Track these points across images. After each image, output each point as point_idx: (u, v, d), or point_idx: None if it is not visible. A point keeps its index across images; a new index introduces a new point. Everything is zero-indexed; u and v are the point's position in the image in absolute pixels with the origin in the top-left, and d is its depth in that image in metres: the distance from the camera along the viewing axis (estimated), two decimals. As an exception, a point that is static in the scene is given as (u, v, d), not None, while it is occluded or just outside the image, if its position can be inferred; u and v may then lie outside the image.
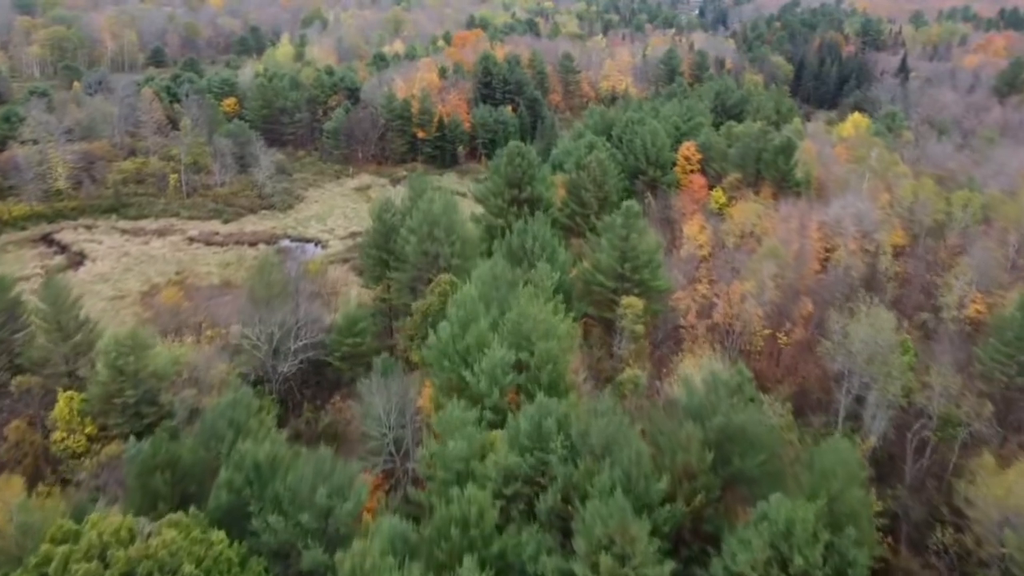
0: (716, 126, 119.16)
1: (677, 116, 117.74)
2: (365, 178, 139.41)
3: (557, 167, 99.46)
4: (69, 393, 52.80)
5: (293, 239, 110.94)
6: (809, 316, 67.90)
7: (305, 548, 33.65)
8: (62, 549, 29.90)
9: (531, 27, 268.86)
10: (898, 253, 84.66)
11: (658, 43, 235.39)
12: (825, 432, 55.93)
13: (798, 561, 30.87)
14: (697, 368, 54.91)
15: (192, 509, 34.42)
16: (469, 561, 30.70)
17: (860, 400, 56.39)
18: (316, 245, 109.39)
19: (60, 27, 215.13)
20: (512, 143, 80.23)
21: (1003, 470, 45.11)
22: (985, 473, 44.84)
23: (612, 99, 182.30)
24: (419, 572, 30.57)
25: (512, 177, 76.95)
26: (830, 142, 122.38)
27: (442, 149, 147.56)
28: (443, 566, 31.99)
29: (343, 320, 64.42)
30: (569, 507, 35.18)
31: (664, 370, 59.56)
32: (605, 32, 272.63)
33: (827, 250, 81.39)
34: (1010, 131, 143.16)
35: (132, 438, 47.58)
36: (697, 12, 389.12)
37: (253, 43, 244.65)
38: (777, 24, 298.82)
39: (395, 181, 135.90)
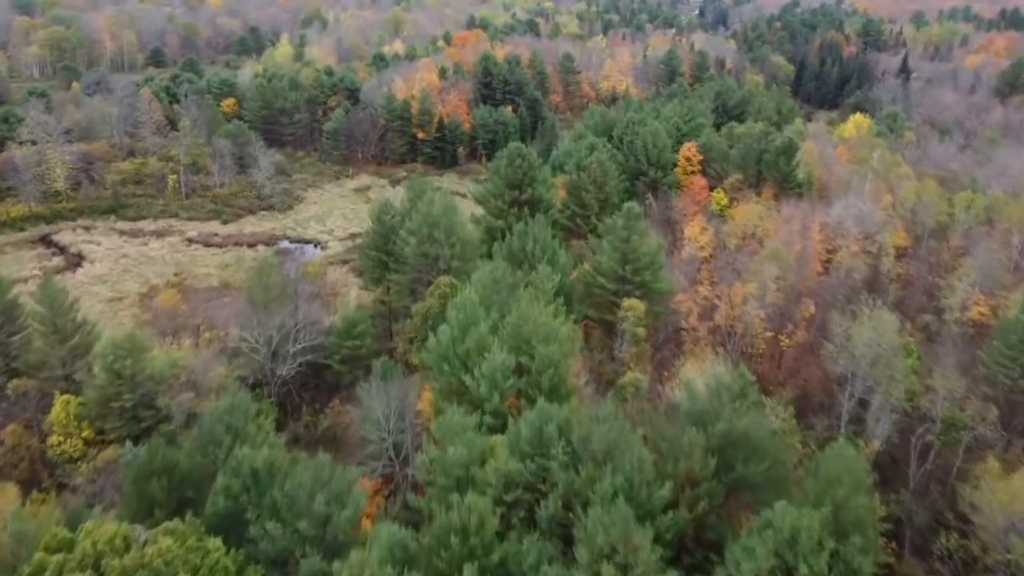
0: (717, 127, 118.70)
1: (678, 117, 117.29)
2: (365, 179, 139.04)
3: (558, 168, 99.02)
4: (66, 397, 52.43)
5: (292, 240, 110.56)
6: (811, 318, 67.45)
7: (303, 556, 33.23)
8: (56, 558, 29.46)
9: (531, 27, 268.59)
10: (900, 255, 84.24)
11: (658, 43, 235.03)
12: (828, 436, 55.50)
13: (803, 570, 30.41)
14: (699, 372, 54.51)
15: (189, 516, 33.99)
16: (469, 570, 30.29)
17: (863, 404, 55.95)
18: (315, 246, 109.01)
19: (59, 27, 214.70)
20: (512, 144, 79.86)
21: (1008, 475, 44.68)
22: (990, 478, 44.40)
23: (612, 99, 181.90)
24: (418, 581, 30.20)
25: (512, 178, 76.55)
26: (831, 143, 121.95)
27: (442, 150, 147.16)
28: (443, 575, 31.58)
29: (342, 322, 63.99)
30: (570, 514, 34.77)
31: (666, 373, 59.06)
32: (605, 32, 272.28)
33: (829, 252, 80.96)
34: (1012, 132, 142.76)
35: (129, 443, 47.29)
36: (697, 12, 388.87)
37: (252, 43, 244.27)
38: (777, 24, 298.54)
39: (395, 182, 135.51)
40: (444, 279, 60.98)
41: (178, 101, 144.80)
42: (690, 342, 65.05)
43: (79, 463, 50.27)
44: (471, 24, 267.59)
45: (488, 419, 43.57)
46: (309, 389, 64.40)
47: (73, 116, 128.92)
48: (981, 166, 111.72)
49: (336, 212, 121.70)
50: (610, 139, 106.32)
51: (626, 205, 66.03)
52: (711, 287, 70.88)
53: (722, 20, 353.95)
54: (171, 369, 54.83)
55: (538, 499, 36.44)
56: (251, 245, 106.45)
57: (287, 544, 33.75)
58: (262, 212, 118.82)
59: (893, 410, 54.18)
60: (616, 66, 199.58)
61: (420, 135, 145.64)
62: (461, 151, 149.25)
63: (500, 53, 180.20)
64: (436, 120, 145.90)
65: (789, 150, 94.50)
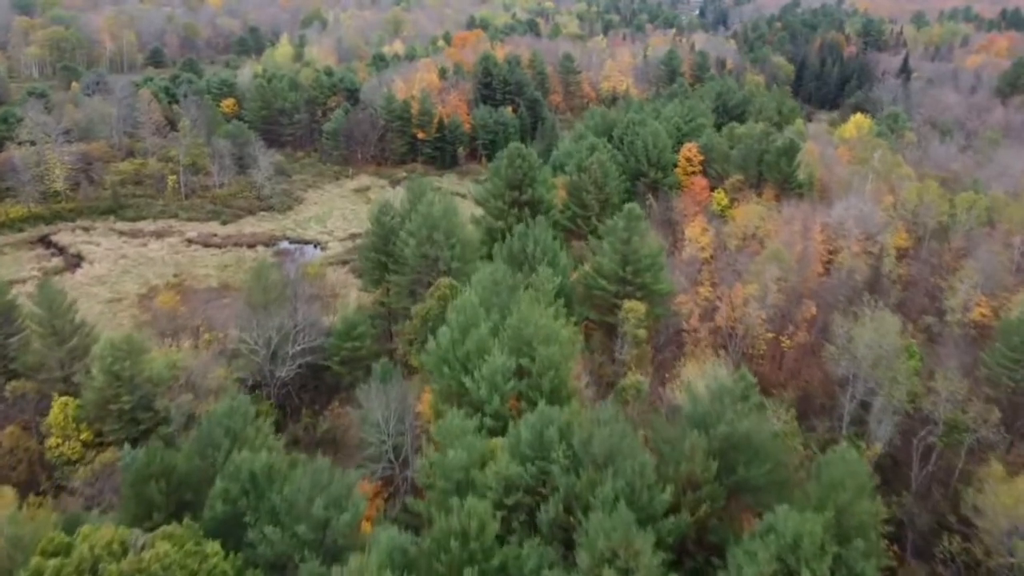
0: (718, 127, 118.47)
1: (678, 117, 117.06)
2: (364, 179, 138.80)
3: (558, 169, 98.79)
4: (64, 399, 52.23)
5: (292, 241, 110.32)
6: (812, 319, 67.23)
7: (302, 560, 32.93)
8: (53, 563, 29.22)
9: (531, 27, 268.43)
10: (902, 255, 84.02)
11: (659, 43, 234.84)
12: (830, 438, 55.30)
13: (805, 574, 30.17)
14: (700, 373, 54.29)
15: (187, 520, 33.74)
16: (469, 575, 30.05)
17: (865, 405, 55.74)
18: (315, 247, 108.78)
19: (59, 27, 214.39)
20: (512, 145, 79.60)
21: (1011, 478, 44.45)
22: (993, 481, 44.16)
23: (613, 100, 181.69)
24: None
25: (512, 179, 76.34)
26: (832, 143, 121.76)
27: (442, 150, 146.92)
28: (443, 579, 31.36)
29: (342, 324, 63.75)
30: (571, 518, 34.53)
31: (666, 375, 58.90)
32: (605, 32, 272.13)
33: (830, 252, 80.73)
34: (1013, 132, 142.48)
35: (127, 445, 47.05)
36: (697, 12, 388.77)
37: (252, 43, 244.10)
38: (778, 24, 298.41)
39: (395, 182, 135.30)
40: (444, 280, 60.76)
41: (177, 101, 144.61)
42: (691, 343, 64.84)
43: (77, 465, 50.08)
44: (471, 24, 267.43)
45: (488, 421, 43.35)
46: (308, 391, 64.21)
47: (72, 116, 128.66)
48: (982, 167, 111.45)
49: (336, 213, 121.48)
50: (610, 139, 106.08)
51: (627, 206, 65.77)
52: (712, 288, 70.63)
53: (722, 20, 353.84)
54: (170, 371, 54.57)
55: (539, 503, 36.21)
56: (251, 246, 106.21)
57: (286, 548, 33.50)
58: (262, 213, 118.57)
59: (895, 412, 53.95)
60: (616, 66, 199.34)
61: (420, 135, 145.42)
62: (461, 151, 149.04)
63: (500, 53, 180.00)
64: (436, 120, 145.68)
65: (790, 151, 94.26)
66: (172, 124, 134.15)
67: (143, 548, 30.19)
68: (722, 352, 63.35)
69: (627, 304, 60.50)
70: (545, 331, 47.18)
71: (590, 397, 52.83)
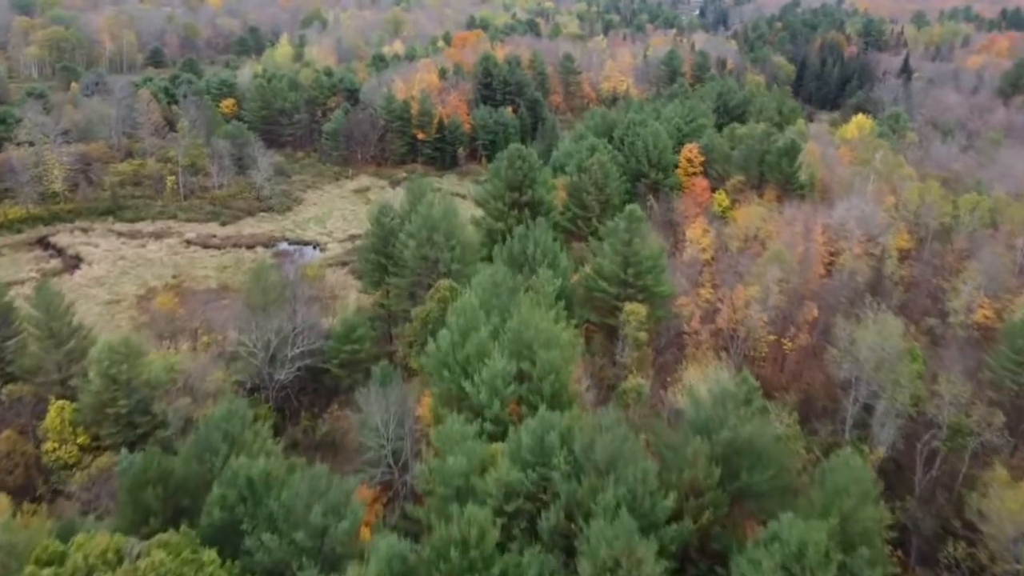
0: (719, 127, 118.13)
1: (679, 118, 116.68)
2: (364, 180, 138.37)
3: (558, 169, 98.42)
4: (61, 402, 51.83)
5: (291, 242, 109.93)
6: (814, 321, 66.80)
7: (300, 568, 32.56)
8: (47, 572, 28.84)
9: (531, 27, 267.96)
10: (904, 257, 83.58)
11: (659, 43, 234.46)
12: (832, 441, 54.91)
13: (810, 583, 29.80)
14: (702, 376, 53.91)
15: (183, 527, 33.31)
16: (469, 583, 29.72)
17: (868, 409, 55.31)
18: (315, 248, 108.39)
19: (58, 27, 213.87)
20: (513, 146, 79.28)
21: (1016, 483, 44.08)
22: (998, 486, 43.77)
23: (613, 100, 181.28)
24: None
25: (513, 180, 75.97)
26: (833, 144, 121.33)
27: (442, 151, 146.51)
28: (442, 588, 30.95)
29: (341, 326, 63.33)
30: (573, 525, 34.13)
31: (668, 378, 58.49)
32: (606, 32, 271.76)
33: (832, 254, 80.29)
34: (1015, 132, 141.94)
35: (124, 450, 46.65)
36: (698, 12, 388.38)
37: (252, 43, 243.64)
38: (778, 24, 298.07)
39: (395, 183, 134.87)
40: (444, 282, 60.39)
41: (177, 102, 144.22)
42: (692, 346, 64.42)
43: (74, 470, 49.69)
44: (471, 24, 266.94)
45: (488, 426, 42.96)
46: (308, 393, 63.78)
47: (71, 117, 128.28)
48: (984, 167, 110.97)
49: (335, 213, 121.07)
50: (611, 140, 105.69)
51: (628, 208, 65.35)
52: (713, 290, 70.21)
53: (723, 20, 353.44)
54: (168, 374, 54.21)
55: (540, 509, 35.82)
56: (250, 247, 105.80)
57: (284, 556, 33.10)
58: (261, 213, 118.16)
59: (898, 415, 53.51)
60: (617, 66, 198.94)
61: (420, 136, 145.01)
62: (461, 152, 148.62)
63: (500, 53, 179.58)
64: (436, 121, 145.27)
65: (791, 151, 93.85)
66: (171, 124, 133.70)
67: (138, 557, 29.79)
68: (723, 354, 62.93)
69: (628, 306, 60.09)
70: (546, 334, 46.79)
71: (591, 400, 52.42)
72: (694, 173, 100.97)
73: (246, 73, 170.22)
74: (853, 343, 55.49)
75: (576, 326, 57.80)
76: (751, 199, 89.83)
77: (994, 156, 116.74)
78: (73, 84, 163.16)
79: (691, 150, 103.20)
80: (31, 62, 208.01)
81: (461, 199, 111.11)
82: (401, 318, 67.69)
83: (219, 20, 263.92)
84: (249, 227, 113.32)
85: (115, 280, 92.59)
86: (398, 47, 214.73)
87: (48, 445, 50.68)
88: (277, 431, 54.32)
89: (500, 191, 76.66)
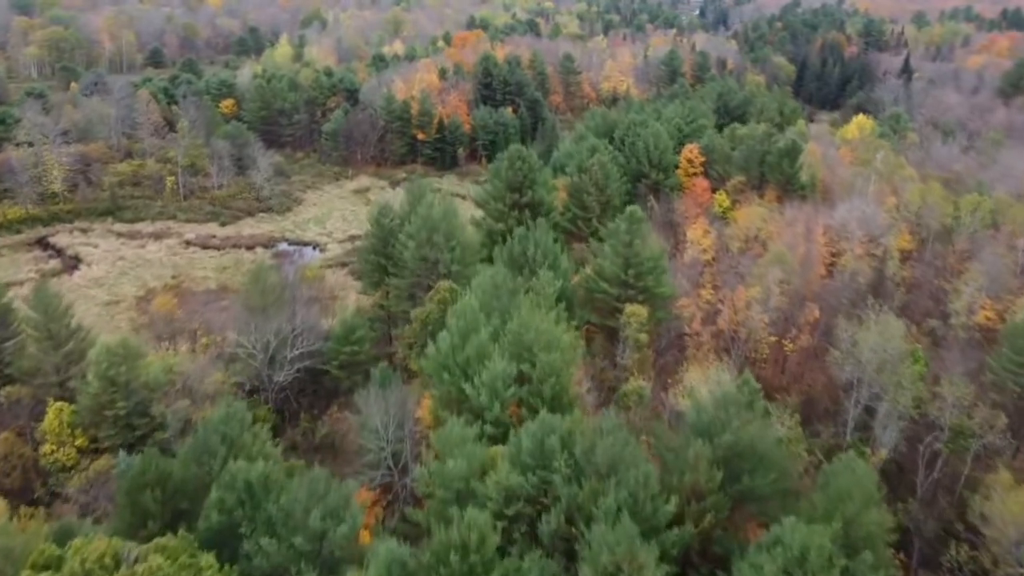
0: (719, 128, 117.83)
1: (679, 118, 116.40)
2: (364, 180, 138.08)
3: (558, 170, 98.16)
4: (59, 404, 51.62)
5: (291, 242, 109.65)
6: (815, 323, 66.56)
7: (299, 573, 32.34)
8: (44, 577, 28.61)
9: (531, 27, 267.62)
10: (905, 258, 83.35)
11: (659, 43, 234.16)
12: (834, 443, 54.74)
13: (813, 588, 29.56)
14: (703, 378, 53.68)
15: (181, 531, 33.09)
16: (469, 588, 29.48)
17: (870, 411, 55.10)
18: (314, 248, 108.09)
19: (58, 28, 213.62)
20: (513, 146, 79.05)
21: (1019, 485, 43.85)
22: (1001, 489, 43.54)
23: (613, 100, 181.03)
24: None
25: (513, 181, 75.74)
26: (834, 144, 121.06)
27: (442, 151, 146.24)
28: (442, 593, 30.70)
29: (341, 328, 63.10)
30: (573, 529, 33.89)
31: (669, 380, 58.23)
32: (606, 32, 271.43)
33: (833, 255, 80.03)
34: (1015, 133, 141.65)
35: (122, 452, 46.56)
36: (698, 12, 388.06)
37: (252, 44, 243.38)
38: (778, 24, 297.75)
39: (394, 183, 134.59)
40: (444, 284, 60.14)
41: (176, 102, 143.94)
42: (693, 347, 64.18)
43: (72, 472, 49.48)
44: (471, 24, 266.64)
45: (489, 429, 42.74)
46: (307, 395, 63.55)
47: (71, 117, 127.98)
48: (985, 168, 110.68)
49: (335, 214, 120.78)
50: (611, 140, 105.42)
51: (629, 209, 65.11)
52: (714, 291, 70.00)
53: (723, 20, 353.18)
54: (166, 375, 53.98)
55: (540, 513, 35.57)
56: (249, 247, 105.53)
57: (282, 560, 32.88)
58: (261, 214, 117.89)
59: (900, 417, 53.32)
60: (617, 66, 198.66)
61: (420, 136, 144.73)
62: (461, 152, 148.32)
63: (500, 53, 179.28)
64: (436, 121, 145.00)
65: (792, 152, 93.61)
66: (171, 125, 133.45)
67: (136, 561, 29.53)
68: (724, 356, 62.69)
69: (629, 308, 59.84)
70: (546, 336, 46.56)
71: (592, 402, 52.18)
72: (695, 174, 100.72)
73: (246, 73, 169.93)
74: (855, 344, 55.30)
75: (577, 328, 57.60)
76: (752, 200, 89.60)
77: (995, 157, 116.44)
78: (72, 84, 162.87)
79: (692, 151, 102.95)
80: (30, 62, 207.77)
81: (461, 200, 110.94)
82: (401, 319, 67.45)
83: (219, 20, 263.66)
84: (249, 228, 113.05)
85: (114, 281, 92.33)
86: (398, 47, 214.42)
87: (46, 447, 50.48)
88: (276, 433, 54.12)
89: (500, 192, 76.43)
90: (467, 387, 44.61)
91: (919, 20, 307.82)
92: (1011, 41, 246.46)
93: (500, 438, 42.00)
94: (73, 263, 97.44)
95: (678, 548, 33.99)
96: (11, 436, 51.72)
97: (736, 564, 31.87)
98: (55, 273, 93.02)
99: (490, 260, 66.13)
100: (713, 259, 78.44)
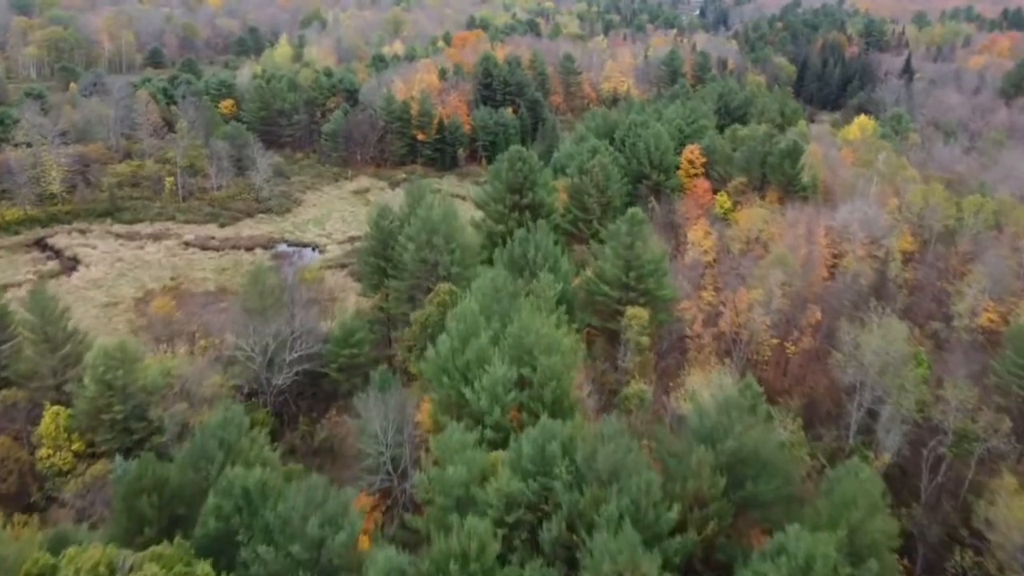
0: (720, 129, 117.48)
1: (680, 119, 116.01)
2: (364, 181, 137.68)
3: (559, 171, 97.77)
4: (56, 408, 51.18)
5: (290, 244, 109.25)
6: (817, 325, 66.14)
7: (296, 580, 31.93)
8: (37, 586, 28.21)
9: (532, 28, 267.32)
10: (908, 259, 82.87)
11: (659, 44, 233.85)
12: (837, 447, 54.36)
13: (817, 597, 29.13)
14: (705, 381, 53.26)
15: (178, 539, 32.65)
16: (469, 597, 29.07)
17: (872, 414, 54.65)
18: (314, 250, 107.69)
19: (57, 28, 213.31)
20: (513, 147, 78.63)
21: (1024, 490, 43.45)
22: (1005, 494, 43.11)
23: (614, 100, 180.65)
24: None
25: (513, 182, 75.33)
26: (836, 145, 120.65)
27: (442, 151, 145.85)
28: (442, 601, 30.30)
29: (340, 330, 62.67)
30: (575, 537, 33.47)
31: (670, 383, 57.83)
32: (606, 33, 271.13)
33: (835, 256, 79.62)
34: (1017, 133, 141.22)
35: (119, 456, 46.11)
36: (698, 12, 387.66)
37: (251, 44, 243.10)
38: (779, 24, 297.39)
39: (394, 184, 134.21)
40: (443, 286, 59.72)
41: (175, 102, 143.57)
42: (695, 350, 63.75)
43: (69, 477, 49.04)
44: (471, 24, 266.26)
45: (489, 433, 42.31)
46: (306, 398, 63.15)
47: (70, 117, 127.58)
48: (987, 168, 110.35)
49: (335, 215, 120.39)
50: (612, 141, 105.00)
51: (630, 211, 64.71)
52: (715, 293, 69.58)
53: (723, 20, 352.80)
54: (164, 379, 53.57)
55: (541, 520, 35.14)
56: (249, 248, 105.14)
57: (280, 568, 32.42)
58: (260, 215, 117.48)
59: (903, 421, 52.85)
60: (617, 67, 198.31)
61: (420, 137, 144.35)
62: (461, 153, 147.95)
63: (500, 54, 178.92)
64: (436, 121, 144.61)
65: (794, 153, 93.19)
66: (170, 125, 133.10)
67: (131, 570, 29.12)
68: (726, 359, 62.28)
69: (630, 310, 59.41)
70: (547, 340, 46.13)
71: (593, 406, 51.77)
72: (696, 175, 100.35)
73: (245, 74, 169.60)
74: (857, 347, 54.88)
75: (577, 331, 57.20)
76: (753, 201, 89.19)
77: (997, 157, 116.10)
78: (71, 84, 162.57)
79: (692, 151, 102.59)
80: (29, 62, 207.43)
81: (461, 201, 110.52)
82: (400, 321, 67.01)
83: (218, 20, 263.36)
84: (248, 229, 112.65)
85: (113, 282, 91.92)
86: (398, 47, 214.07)
87: (42, 452, 50.03)
88: (275, 436, 53.74)
89: (500, 193, 76.02)
90: (467, 391, 44.18)
91: (920, 20, 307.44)
92: (1012, 41, 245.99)
93: (500, 443, 41.56)
94: (71, 264, 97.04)
95: (681, 556, 33.56)
96: (7, 440, 51.25)
97: (739, 572, 31.47)
98: (53, 274, 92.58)
99: (490, 262, 65.70)
100: (714, 261, 78.03)
